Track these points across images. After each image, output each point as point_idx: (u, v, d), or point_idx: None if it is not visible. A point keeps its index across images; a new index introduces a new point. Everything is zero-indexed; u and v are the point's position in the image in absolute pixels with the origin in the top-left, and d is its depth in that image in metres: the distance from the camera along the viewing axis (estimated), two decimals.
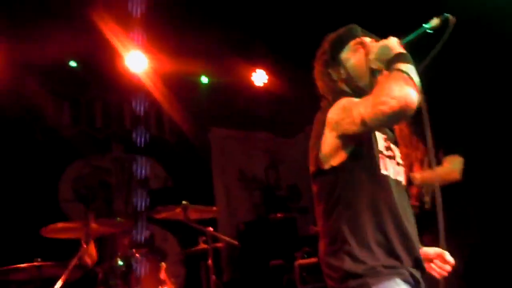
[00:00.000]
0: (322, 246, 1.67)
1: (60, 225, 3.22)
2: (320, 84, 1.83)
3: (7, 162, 4.27)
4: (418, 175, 3.02)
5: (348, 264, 1.58)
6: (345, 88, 1.78)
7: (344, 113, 1.63)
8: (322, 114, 1.69)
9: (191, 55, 4.88)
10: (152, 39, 4.62)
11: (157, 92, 5.05)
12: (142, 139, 4.87)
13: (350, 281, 1.57)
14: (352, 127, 1.60)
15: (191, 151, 5.28)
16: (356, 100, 1.65)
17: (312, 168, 1.71)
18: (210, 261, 3.51)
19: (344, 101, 1.67)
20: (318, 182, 1.70)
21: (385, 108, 1.51)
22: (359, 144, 1.65)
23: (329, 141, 1.65)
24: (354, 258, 1.58)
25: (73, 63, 4.66)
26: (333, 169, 1.65)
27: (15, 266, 3.12)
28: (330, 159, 1.66)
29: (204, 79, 5.44)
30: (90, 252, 3.25)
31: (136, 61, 4.76)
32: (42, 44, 4.23)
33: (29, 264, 3.12)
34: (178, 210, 3.49)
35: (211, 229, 3.47)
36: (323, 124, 1.67)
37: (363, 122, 1.56)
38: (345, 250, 1.59)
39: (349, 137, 1.63)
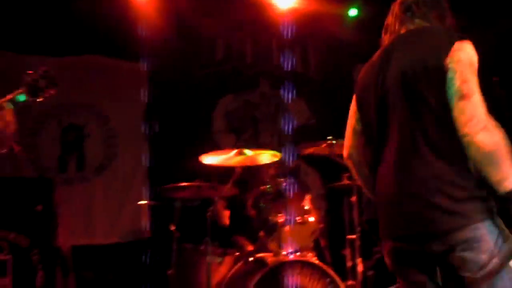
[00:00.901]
0: (438, 163, 1.61)
1: (215, 152, 3.53)
2: (435, 14, 1.83)
3: (172, 95, 4.74)
4: None
5: (476, 184, 1.58)
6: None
7: (471, 69, 1.61)
8: (445, 35, 1.70)
9: None
10: None
11: (304, 28, 5.04)
12: (288, 76, 4.97)
13: (478, 202, 1.57)
14: (463, 85, 1.58)
15: (335, 88, 5.25)
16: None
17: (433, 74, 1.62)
18: (353, 198, 3.56)
19: (474, 56, 1.65)
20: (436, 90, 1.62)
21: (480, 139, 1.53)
22: None
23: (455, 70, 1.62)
24: (478, 180, 1.59)
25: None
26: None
27: (179, 184, 3.54)
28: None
29: (352, 11, 5.22)
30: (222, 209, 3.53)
31: None
32: None
33: (190, 183, 3.51)
34: (324, 145, 3.56)
35: None
36: (448, 45, 1.63)
37: (463, 98, 1.57)
38: (469, 170, 1.59)
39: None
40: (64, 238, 3.98)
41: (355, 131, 1.94)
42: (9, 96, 2.19)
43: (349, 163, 1.98)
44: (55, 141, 4.57)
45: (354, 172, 1.99)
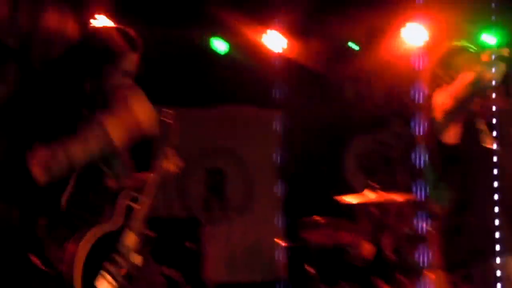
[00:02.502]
0: None
1: (348, 193, 3.56)
2: None
3: (304, 136, 4.90)
4: None
5: None
6: None
7: None
8: None
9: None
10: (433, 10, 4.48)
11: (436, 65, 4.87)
12: (422, 112, 4.81)
13: None
14: None
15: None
16: None
17: None
18: None
19: None
20: None
21: None
22: None
23: None
24: None
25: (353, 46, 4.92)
26: None
27: (311, 219, 3.61)
28: None
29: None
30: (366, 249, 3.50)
31: (415, 33, 4.69)
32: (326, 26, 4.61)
33: (323, 219, 3.56)
34: None
35: None
36: None
37: None
38: None
39: None
40: (209, 274, 4.26)
41: None
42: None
43: None
44: (200, 184, 4.99)
45: None
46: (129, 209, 1.78)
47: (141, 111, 1.76)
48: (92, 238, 1.70)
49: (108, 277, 1.70)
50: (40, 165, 1.68)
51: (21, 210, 1.77)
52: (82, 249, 1.67)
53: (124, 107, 1.74)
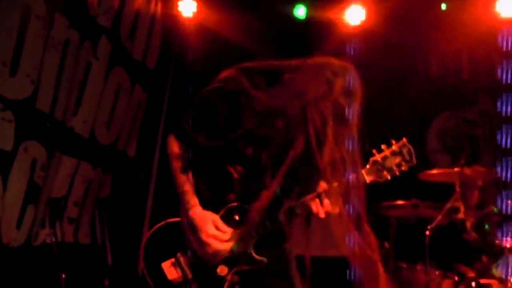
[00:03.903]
0: None
1: (435, 171, 3.46)
2: None
3: (384, 114, 4.77)
4: None
5: None
6: None
7: None
8: None
9: None
10: None
11: None
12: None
13: None
14: None
15: None
16: None
17: None
18: None
19: None
20: None
21: None
22: None
23: None
24: None
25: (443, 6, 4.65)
26: None
27: (394, 203, 3.57)
28: None
29: None
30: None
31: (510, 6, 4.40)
32: None
33: (406, 202, 3.51)
34: None
35: None
36: None
37: None
38: None
39: None
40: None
41: None
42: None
43: None
44: None
45: None
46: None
47: None
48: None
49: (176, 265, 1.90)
50: None
51: None
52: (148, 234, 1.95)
53: None
